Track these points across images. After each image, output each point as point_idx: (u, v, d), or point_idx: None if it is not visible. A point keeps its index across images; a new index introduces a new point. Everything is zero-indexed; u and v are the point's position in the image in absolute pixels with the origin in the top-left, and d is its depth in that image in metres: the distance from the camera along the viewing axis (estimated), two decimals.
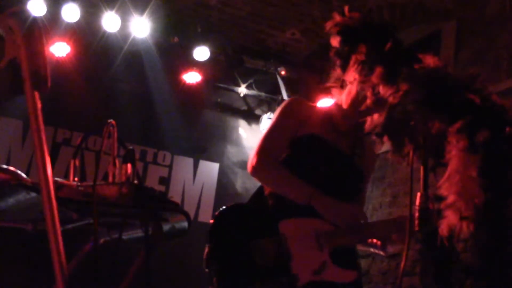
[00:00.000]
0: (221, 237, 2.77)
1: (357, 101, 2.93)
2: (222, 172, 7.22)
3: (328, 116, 3.07)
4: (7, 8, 1.70)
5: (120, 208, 2.30)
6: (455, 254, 1.84)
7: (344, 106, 3.01)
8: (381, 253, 3.10)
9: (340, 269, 2.78)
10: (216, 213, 2.82)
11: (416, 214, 1.89)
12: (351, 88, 2.96)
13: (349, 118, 3.02)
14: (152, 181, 6.90)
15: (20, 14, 1.66)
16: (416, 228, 1.88)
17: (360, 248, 3.10)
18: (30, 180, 2.26)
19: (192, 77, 6.96)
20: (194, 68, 6.90)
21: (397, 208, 5.90)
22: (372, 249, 3.09)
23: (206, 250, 2.75)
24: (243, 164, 7.08)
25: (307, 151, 2.97)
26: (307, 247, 2.75)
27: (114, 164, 2.42)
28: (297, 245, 2.74)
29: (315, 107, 3.12)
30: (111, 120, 2.51)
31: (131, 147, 2.37)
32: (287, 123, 3.00)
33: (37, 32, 1.63)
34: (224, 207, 2.85)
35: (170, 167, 7.14)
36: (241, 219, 2.84)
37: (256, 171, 2.93)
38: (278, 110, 3.06)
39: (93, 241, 2.45)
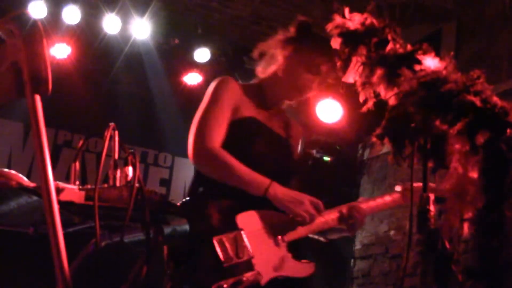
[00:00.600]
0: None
1: (285, 80, 2.94)
2: None
3: (260, 95, 3.00)
4: (8, 10, 1.71)
5: (121, 211, 2.30)
6: (456, 255, 1.84)
7: (273, 85, 2.99)
8: (321, 238, 3.07)
9: (298, 263, 2.75)
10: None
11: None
12: (279, 67, 2.96)
13: (279, 98, 3.02)
14: (153, 183, 6.90)
15: (21, 17, 1.66)
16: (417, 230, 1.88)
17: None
18: (31, 184, 2.26)
19: (192, 79, 6.96)
20: (195, 69, 6.90)
21: (398, 209, 5.91)
22: (311, 235, 3.06)
23: (165, 250, 2.67)
24: None
25: (247, 136, 2.86)
26: (266, 243, 2.69)
27: (115, 167, 2.42)
28: (256, 240, 2.65)
29: (244, 86, 3.00)
30: (112, 123, 2.51)
31: (132, 150, 2.37)
32: (224, 104, 2.85)
33: (37, 35, 1.63)
34: (180, 202, 2.73)
35: (171, 168, 7.14)
36: (197, 215, 2.68)
37: (202, 159, 2.78)
38: (211, 91, 2.92)
39: (94, 244, 2.45)
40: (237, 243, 2.60)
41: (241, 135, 2.85)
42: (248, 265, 2.59)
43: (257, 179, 2.72)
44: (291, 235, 2.76)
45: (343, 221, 2.91)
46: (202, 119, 2.86)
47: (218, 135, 2.79)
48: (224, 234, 2.59)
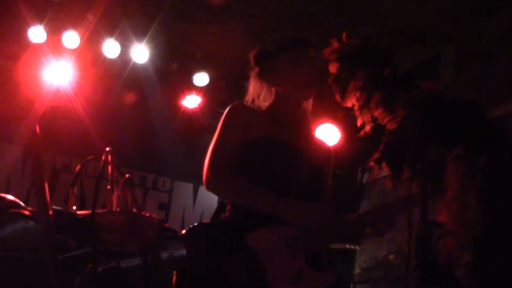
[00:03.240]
0: (189, 260, 2.63)
1: (289, 96, 3.02)
2: None
3: (272, 114, 3.03)
4: (8, 35, 1.72)
5: (118, 236, 2.29)
6: (455, 281, 1.83)
7: (280, 108, 3.03)
8: (347, 246, 3.00)
9: (317, 274, 2.68)
10: (180, 235, 2.68)
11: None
12: (281, 90, 3.05)
13: (291, 113, 3.04)
14: (152, 207, 6.89)
15: (20, 43, 1.68)
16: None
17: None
18: (29, 209, 2.26)
19: (192, 102, 6.98)
20: (194, 93, 6.92)
21: (398, 233, 5.89)
22: (344, 245, 2.99)
23: (174, 277, 2.62)
24: None
25: (261, 153, 2.86)
26: (280, 257, 2.64)
27: (113, 192, 2.42)
28: (270, 257, 2.62)
29: (255, 109, 3.09)
30: (109, 147, 2.52)
31: (129, 175, 2.37)
32: (235, 129, 2.89)
33: (35, 61, 1.65)
34: (188, 228, 2.70)
35: (170, 192, 7.13)
36: (207, 238, 2.67)
37: (211, 185, 2.79)
38: (222, 118, 2.98)
39: (91, 269, 2.44)
40: (250, 264, 2.58)
41: (256, 153, 2.85)
42: (262, 284, 2.56)
43: (264, 196, 2.70)
44: (306, 246, 2.70)
45: (364, 226, 2.81)
46: (212, 148, 2.87)
47: (228, 159, 2.81)
48: (237, 256, 2.58)
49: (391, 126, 2.06)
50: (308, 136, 3.11)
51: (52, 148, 6.46)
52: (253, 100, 3.17)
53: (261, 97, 3.16)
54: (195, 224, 2.75)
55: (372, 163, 2.08)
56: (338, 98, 2.38)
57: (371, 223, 2.78)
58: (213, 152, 2.84)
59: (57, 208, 2.32)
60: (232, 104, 3.04)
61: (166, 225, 2.56)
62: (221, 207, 2.90)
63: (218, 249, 2.62)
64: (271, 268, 2.60)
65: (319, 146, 3.13)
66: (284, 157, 2.89)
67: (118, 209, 2.39)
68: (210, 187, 2.81)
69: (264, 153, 2.86)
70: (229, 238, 2.65)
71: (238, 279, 2.55)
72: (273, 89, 3.10)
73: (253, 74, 3.22)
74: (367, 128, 2.23)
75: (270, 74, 3.11)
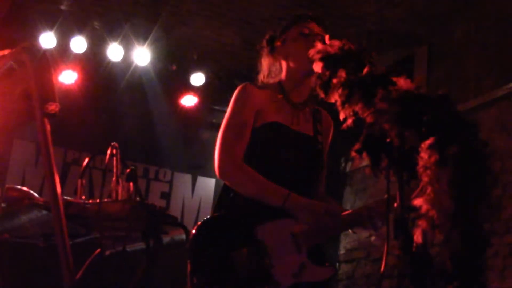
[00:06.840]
0: (201, 251, 2.55)
1: (298, 73, 2.82)
2: (218, 187, 7.21)
3: (282, 92, 2.83)
4: (20, 41, 1.71)
5: (123, 223, 2.30)
6: (429, 258, 1.84)
7: (288, 77, 2.85)
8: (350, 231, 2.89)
9: (318, 267, 2.62)
10: (194, 227, 2.59)
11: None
12: (288, 62, 2.86)
13: (299, 90, 2.86)
14: (154, 196, 6.90)
15: (31, 48, 1.67)
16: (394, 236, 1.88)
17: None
18: (41, 199, 2.26)
19: (189, 100, 7.00)
20: (191, 92, 6.93)
21: None
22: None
23: (188, 266, 2.53)
24: None
25: (269, 143, 2.72)
26: (286, 251, 2.56)
27: (118, 183, 2.42)
28: (276, 250, 2.54)
29: (265, 87, 2.86)
30: (115, 142, 2.52)
31: (133, 167, 2.37)
32: (244, 114, 2.72)
33: (46, 64, 1.64)
34: (201, 221, 2.62)
35: (170, 183, 7.14)
36: (218, 230, 2.60)
37: (225, 175, 2.67)
38: (232, 101, 2.79)
39: (99, 253, 2.44)
40: (256, 255, 2.52)
41: (263, 142, 2.71)
42: (266, 276, 2.50)
43: (275, 192, 2.60)
44: (311, 241, 2.63)
45: (364, 221, 2.68)
46: (224, 134, 2.72)
47: (239, 148, 2.67)
48: (243, 247, 2.52)
49: (370, 119, 2.06)
50: (316, 118, 2.94)
51: (63, 144, 6.46)
52: (263, 77, 2.98)
53: (272, 74, 2.96)
54: (208, 217, 2.66)
55: (353, 153, 2.08)
56: (322, 94, 2.38)
57: (368, 219, 2.71)
58: (225, 141, 2.70)
59: (68, 198, 2.32)
60: (241, 86, 2.83)
61: (167, 212, 2.55)
62: (225, 193, 2.76)
63: (227, 242, 2.55)
64: (277, 262, 2.53)
65: (325, 128, 2.98)
66: (291, 145, 2.76)
67: (123, 198, 2.39)
68: (222, 177, 2.70)
69: (271, 142, 2.72)
70: (237, 230, 2.58)
71: (245, 270, 2.49)
72: (283, 64, 2.90)
73: (264, 52, 3.01)
74: (349, 121, 2.23)
75: (279, 48, 2.92)
